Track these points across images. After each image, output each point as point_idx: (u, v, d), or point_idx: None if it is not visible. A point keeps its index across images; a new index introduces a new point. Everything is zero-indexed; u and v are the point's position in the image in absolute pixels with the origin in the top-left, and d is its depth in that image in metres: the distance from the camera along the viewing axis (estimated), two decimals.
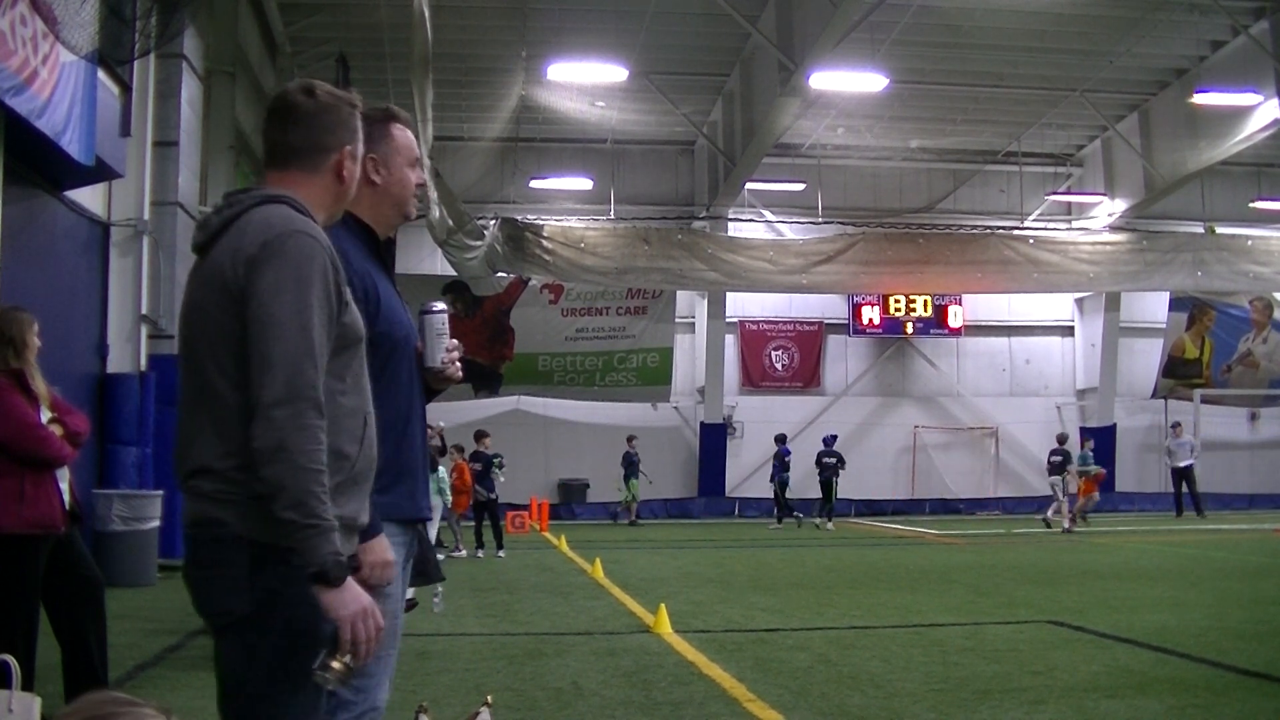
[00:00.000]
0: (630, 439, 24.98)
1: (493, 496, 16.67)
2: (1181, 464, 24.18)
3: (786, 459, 23.87)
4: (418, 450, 3.36)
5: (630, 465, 24.29)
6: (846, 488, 27.34)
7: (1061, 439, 22.88)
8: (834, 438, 24.14)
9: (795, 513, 23.42)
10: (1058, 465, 21.77)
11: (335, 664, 2.54)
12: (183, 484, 2.67)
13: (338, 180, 2.84)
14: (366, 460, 2.77)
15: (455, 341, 3.48)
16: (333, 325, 2.64)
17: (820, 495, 23.50)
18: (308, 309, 2.57)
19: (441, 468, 15.18)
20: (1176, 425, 25.64)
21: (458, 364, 3.49)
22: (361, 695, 3.16)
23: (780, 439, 24.30)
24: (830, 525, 22.59)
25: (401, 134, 3.37)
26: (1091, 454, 23.12)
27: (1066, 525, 20.74)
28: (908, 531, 21.38)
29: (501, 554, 16.07)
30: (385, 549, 3.05)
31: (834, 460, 23.46)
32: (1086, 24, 21.02)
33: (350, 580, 2.55)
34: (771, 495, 24.31)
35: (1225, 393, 28.85)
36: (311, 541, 2.49)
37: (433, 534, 12.87)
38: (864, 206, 28.11)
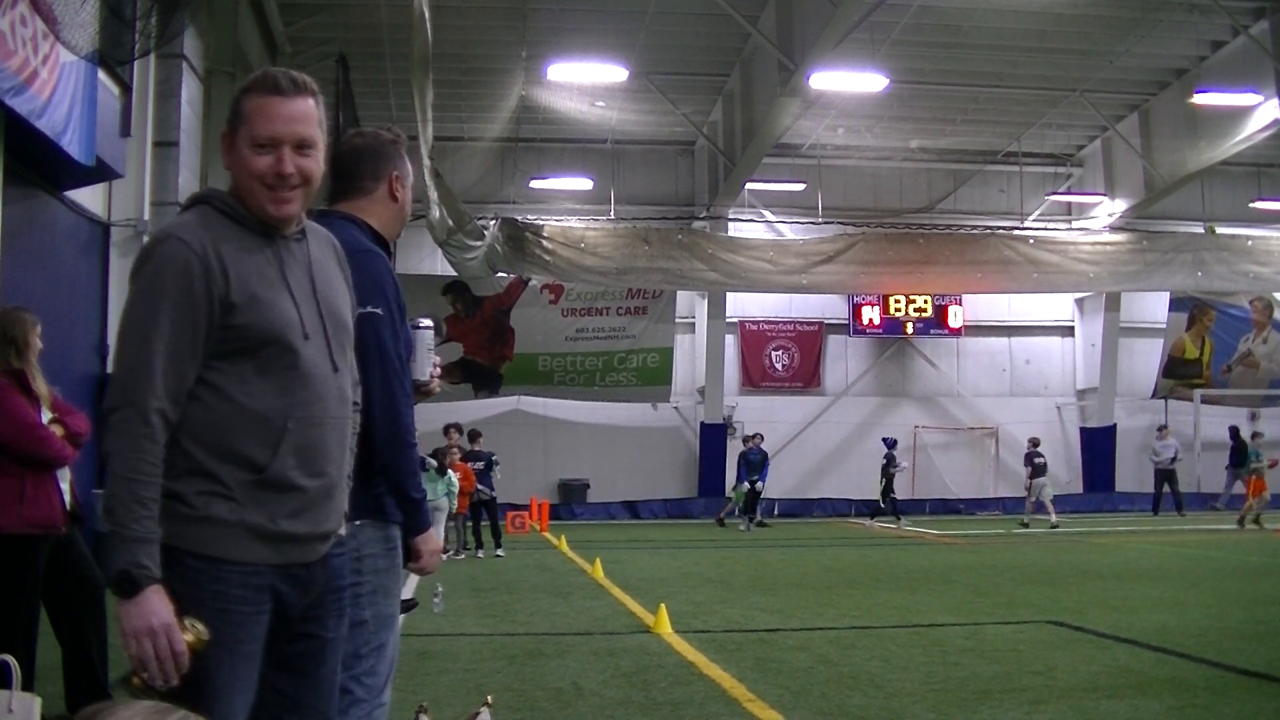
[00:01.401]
0: (751, 438, 24.21)
1: (493, 495, 16.74)
2: (1165, 464, 25.04)
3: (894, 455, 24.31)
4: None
5: (749, 465, 23.28)
6: (845, 488, 27.44)
7: (1034, 442, 23.11)
8: (895, 441, 24.75)
9: (898, 513, 23.84)
10: (1041, 467, 22.54)
11: (135, 680, 2.44)
12: None
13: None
14: (285, 468, 2.62)
15: (438, 357, 3.64)
16: (200, 330, 2.56)
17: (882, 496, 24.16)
18: (154, 316, 2.53)
19: (451, 473, 15.31)
20: (1163, 428, 26.30)
21: (440, 382, 3.62)
22: (372, 693, 3.22)
23: (890, 443, 24.50)
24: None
25: (409, 159, 3.57)
26: (1261, 450, 22.64)
27: (1053, 520, 21.42)
28: (908, 532, 21.38)
29: (500, 553, 16.08)
30: (436, 539, 3.31)
31: (887, 460, 24.20)
32: (1086, 24, 21.02)
33: (147, 594, 2.43)
34: (880, 496, 24.31)
35: (1225, 393, 28.86)
36: (115, 548, 2.45)
37: (439, 534, 12.90)
38: (864, 207, 28.11)
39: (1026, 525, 22.07)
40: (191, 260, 2.57)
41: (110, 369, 2.57)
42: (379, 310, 3.18)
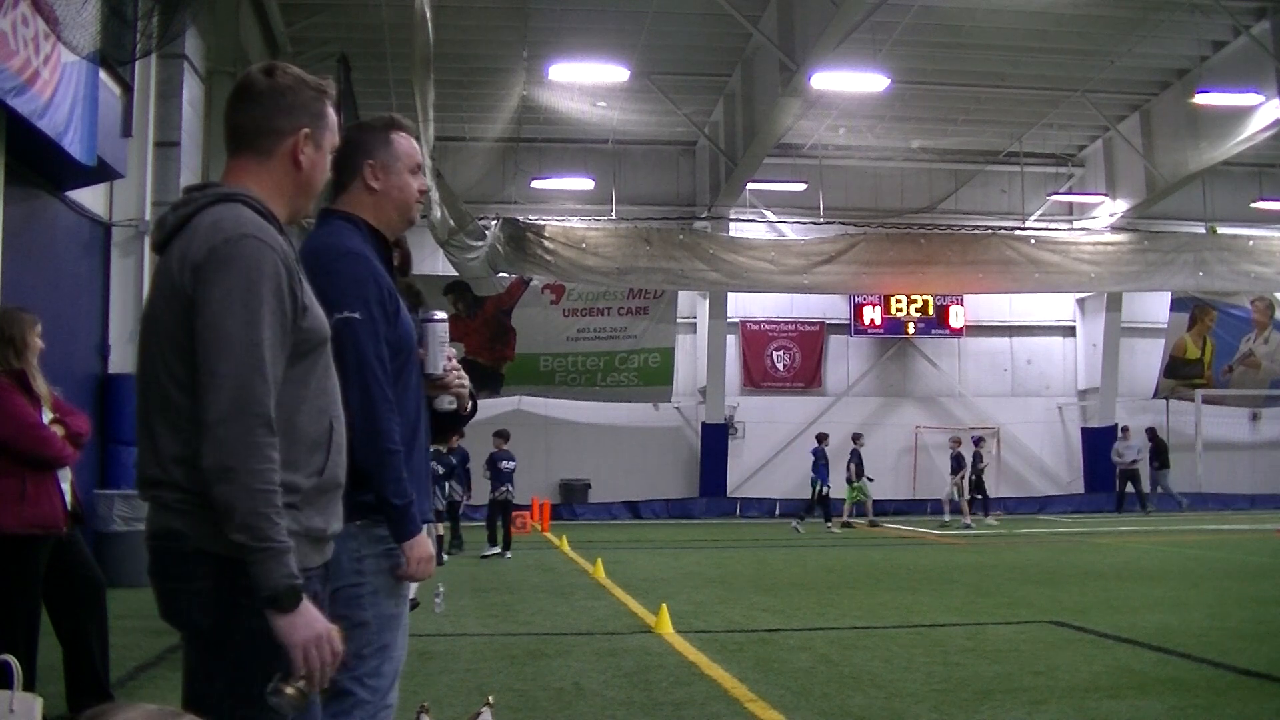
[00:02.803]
0: (856, 436, 24.05)
1: (511, 496, 16.69)
2: (1128, 464, 25.86)
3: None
4: (423, 455, 3.39)
5: (860, 464, 23.14)
6: (844, 488, 27.35)
7: (956, 441, 23.15)
8: (980, 439, 24.88)
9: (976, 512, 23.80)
10: (960, 464, 22.68)
11: (289, 689, 2.41)
12: (144, 494, 2.58)
13: (294, 166, 2.69)
14: (335, 467, 2.65)
15: (453, 350, 3.52)
16: (288, 334, 2.52)
17: (972, 493, 23.94)
18: (257, 322, 2.44)
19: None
20: (1125, 429, 26.80)
21: (458, 372, 3.51)
22: (377, 695, 3.18)
23: (976, 440, 24.49)
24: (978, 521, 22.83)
25: (402, 141, 3.41)
26: None
27: (966, 522, 21.97)
28: (909, 532, 21.37)
29: (509, 555, 16.02)
30: (427, 545, 3.15)
31: (974, 457, 24.08)
32: (1088, 24, 21.01)
33: (306, 604, 2.43)
34: (964, 493, 23.96)
35: (1226, 393, 28.85)
36: (264, 565, 2.38)
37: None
38: (865, 207, 28.09)
39: (946, 525, 22.29)
40: (276, 261, 2.51)
41: (207, 375, 2.41)
42: (357, 315, 3.13)
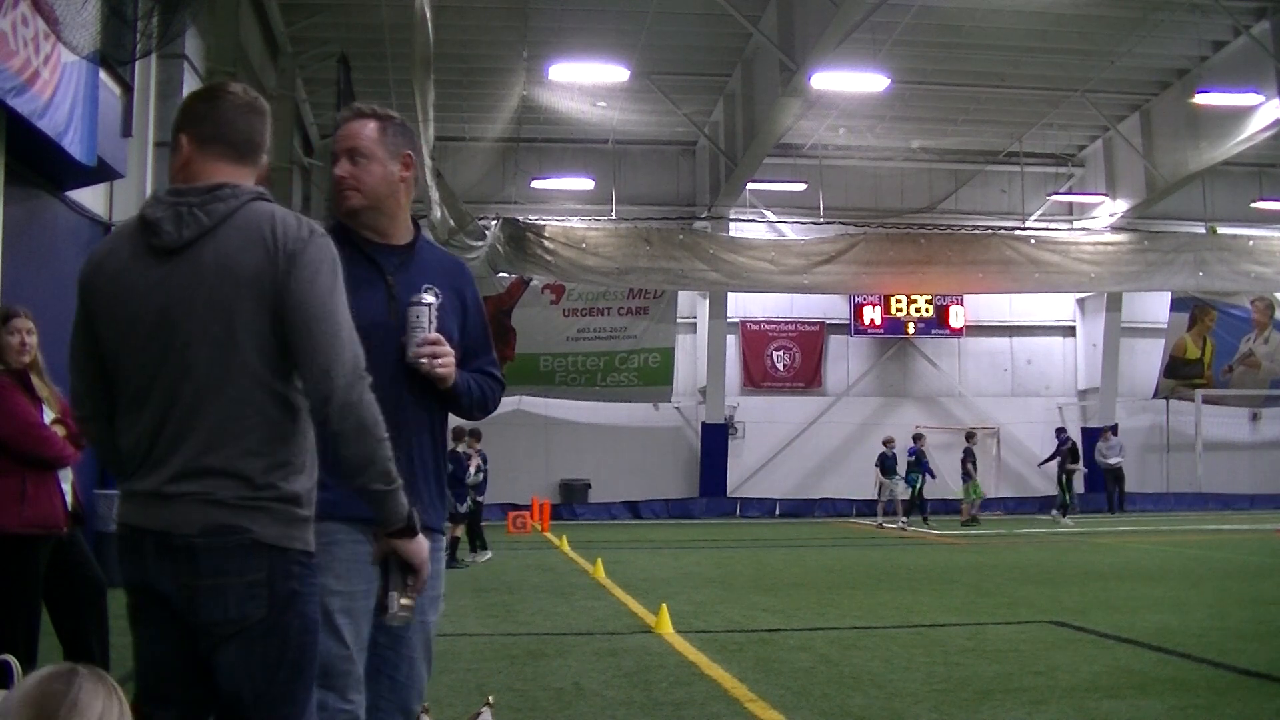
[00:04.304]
0: (970, 435, 24.36)
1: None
2: (1111, 464, 25.99)
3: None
4: (403, 451, 3.13)
5: (975, 461, 23.30)
6: (846, 488, 27.41)
7: (888, 441, 23.07)
8: (1064, 432, 25.28)
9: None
10: (892, 466, 22.67)
11: (406, 601, 2.88)
12: (173, 486, 2.57)
13: (264, 182, 2.88)
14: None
15: (433, 335, 3.28)
16: None
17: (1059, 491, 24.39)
18: (344, 300, 2.70)
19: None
20: (1107, 429, 26.83)
21: (438, 361, 3.27)
22: (330, 695, 3.05)
23: (1061, 432, 24.96)
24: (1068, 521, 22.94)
25: (341, 127, 3.39)
26: None
27: (880, 523, 22.38)
28: (909, 531, 21.37)
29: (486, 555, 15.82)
30: (424, 548, 2.97)
31: (1065, 457, 24.55)
32: (1088, 24, 21.01)
33: (420, 534, 2.84)
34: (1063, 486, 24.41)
35: (1227, 393, 28.86)
36: (396, 500, 2.72)
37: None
38: (865, 207, 28.10)
39: (881, 526, 22.48)
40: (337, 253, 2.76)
41: (326, 348, 2.63)
42: None
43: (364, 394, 2.63)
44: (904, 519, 22.06)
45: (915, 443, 22.87)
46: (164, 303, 2.61)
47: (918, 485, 22.47)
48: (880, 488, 22.98)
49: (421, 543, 2.84)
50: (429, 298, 3.30)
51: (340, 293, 2.68)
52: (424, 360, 3.27)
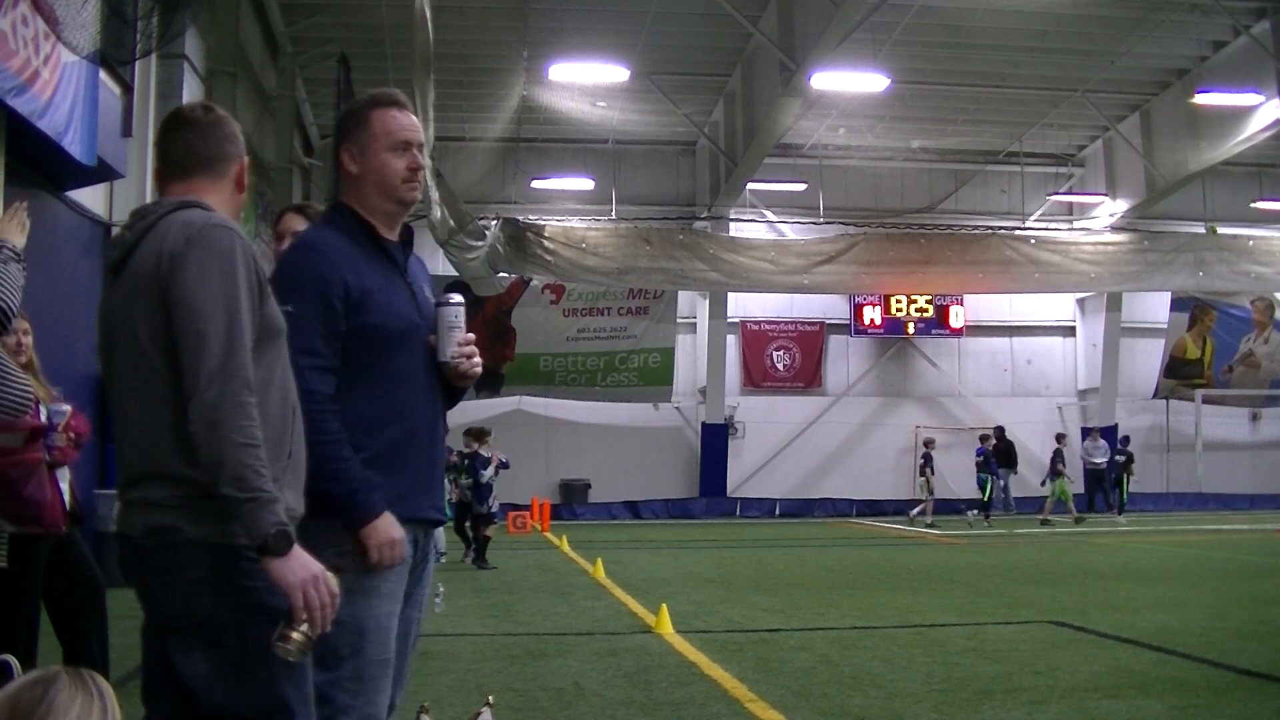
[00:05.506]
0: (1060, 436, 24.53)
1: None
2: (1096, 463, 26.03)
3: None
4: (420, 447, 3.21)
5: (1063, 461, 23.34)
6: (846, 488, 27.43)
7: (928, 443, 23.17)
8: (1127, 438, 25.46)
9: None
10: (924, 466, 22.76)
11: (294, 634, 2.52)
12: (124, 493, 2.68)
13: (237, 189, 2.90)
14: (299, 451, 2.78)
15: (470, 335, 3.31)
16: (256, 314, 2.67)
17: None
18: (235, 293, 2.60)
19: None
20: (1092, 430, 26.86)
21: (475, 359, 3.31)
22: (359, 699, 3.01)
23: (1113, 435, 25.20)
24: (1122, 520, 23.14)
25: (383, 119, 3.18)
26: None
27: (928, 521, 22.11)
28: (909, 532, 21.38)
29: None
30: (390, 526, 2.98)
31: (1124, 458, 24.79)
32: (1088, 24, 21.02)
33: (297, 548, 2.54)
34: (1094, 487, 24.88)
35: (1227, 393, 28.87)
36: (254, 514, 2.49)
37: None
38: (865, 207, 28.11)
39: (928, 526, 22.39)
40: (246, 246, 2.71)
41: (192, 344, 2.58)
42: (289, 308, 2.95)
43: (224, 394, 2.51)
44: (972, 512, 22.44)
45: (982, 443, 22.94)
46: (105, 322, 2.80)
47: (987, 486, 22.47)
48: (923, 486, 22.92)
49: (290, 567, 2.51)
50: (457, 297, 3.33)
51: (223, 290, 2.58)
52: (461, 360, 3.28)
